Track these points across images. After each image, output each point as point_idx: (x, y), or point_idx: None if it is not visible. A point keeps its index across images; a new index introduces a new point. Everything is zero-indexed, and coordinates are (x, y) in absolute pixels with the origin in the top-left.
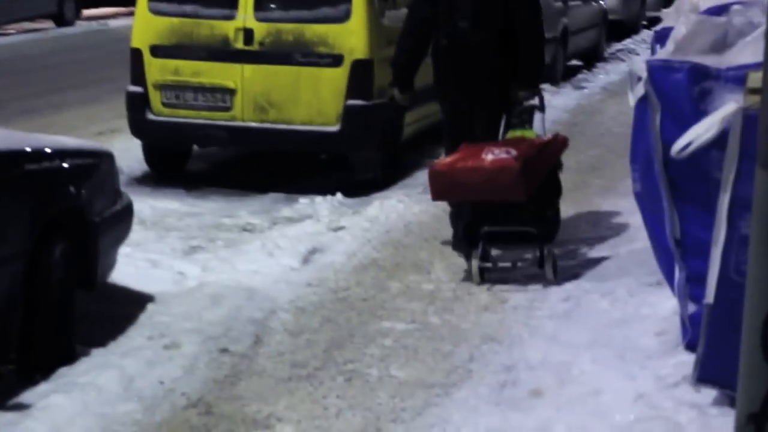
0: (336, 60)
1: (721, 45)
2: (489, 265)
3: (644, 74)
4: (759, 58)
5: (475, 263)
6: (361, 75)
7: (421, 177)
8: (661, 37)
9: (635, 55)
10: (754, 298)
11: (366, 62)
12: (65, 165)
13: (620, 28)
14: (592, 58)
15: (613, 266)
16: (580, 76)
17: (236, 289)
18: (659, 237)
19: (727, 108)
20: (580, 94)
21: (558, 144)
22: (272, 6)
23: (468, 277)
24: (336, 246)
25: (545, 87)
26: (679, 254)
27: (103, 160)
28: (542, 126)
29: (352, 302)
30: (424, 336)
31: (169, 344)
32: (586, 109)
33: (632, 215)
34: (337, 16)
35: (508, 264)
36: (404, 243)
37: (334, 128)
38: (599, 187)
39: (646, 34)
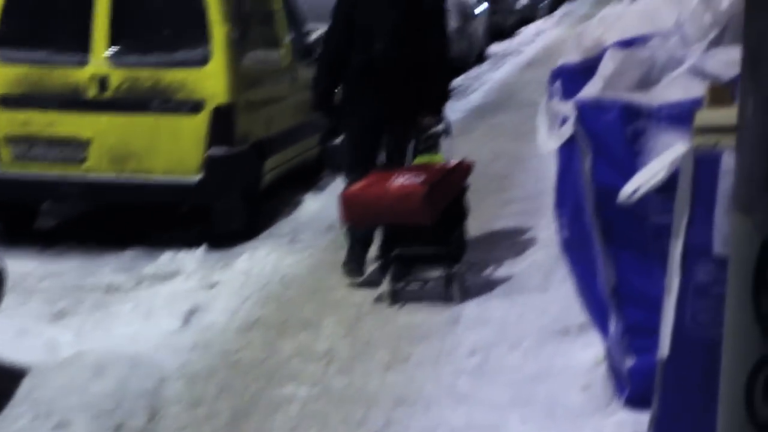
0: (196, 106)
1: (647, 81)
2: (402, 286)
3: (571, 114)
4: (691, 94)
5: (386, 285)
6: (222, 121)
7: (286, 226)
8: (561, 75)
9: (471, 94)
10: (735, 352)
11: (227, 107)
12: None
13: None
14: None
15: (514, 313)
16: None
17: (118, 357)
18: (589, 285)
19: (675, 150)
20: None
21: (464, 169)
22: (127, 51)
23: (363, 334)
24: (214, 304)
25: None
26: (615, 303)
27: None
28: (449, 151)
29: (245, 367)
30: (331, 401)
31: (59, 424)
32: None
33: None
34: (195, 59)
35: (418, 284)
36: (286, 297)
37: (196, 179)
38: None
39: (477, 71)
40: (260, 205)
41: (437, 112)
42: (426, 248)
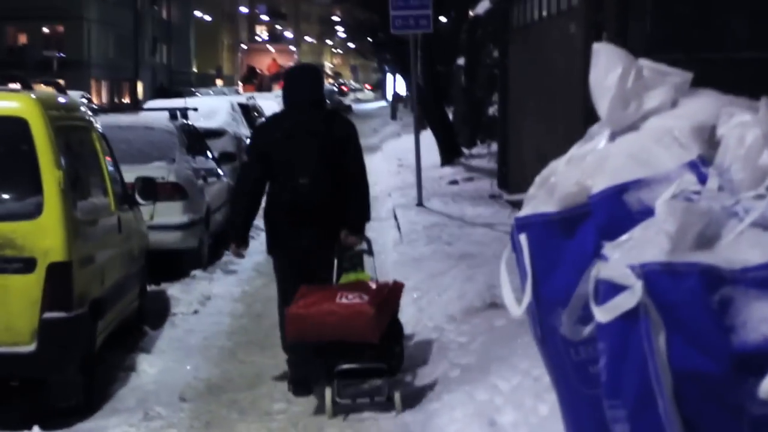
0: (27, 265)
1: (707, 238)
2: (348, 401)
3: (630, 281)
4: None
5: (328, 398)
6: (59, 281)
7: (130, 397)
8: (529, 227)
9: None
10: None
11: (64, 265)
12: None
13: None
14: (223, 236)
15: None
16: (224, 258)
17: None
18: None
19: None
20: (236, 279)
21: (397, 288)
22: None
23: None
24: None
25: None
26: None
27: None
28: (373, 268)
29: None
30: None
31: None
32: (257, 297)
33: None
34: (25, 211)
35: (366, 400)
36: None
37: (29, 348)
38: None
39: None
40: (95, 374)
41: (359, 232)
42: (369, 363)
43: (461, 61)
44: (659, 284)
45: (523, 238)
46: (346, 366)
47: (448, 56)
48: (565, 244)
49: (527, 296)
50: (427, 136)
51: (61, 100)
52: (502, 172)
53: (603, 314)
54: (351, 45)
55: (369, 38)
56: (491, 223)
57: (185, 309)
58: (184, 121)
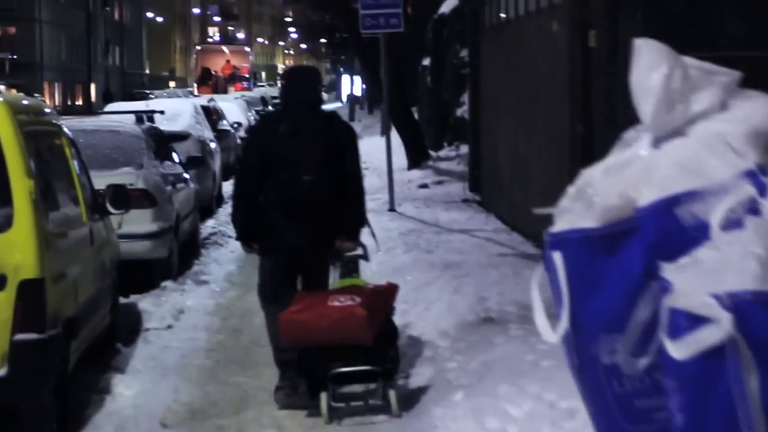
0: None
1: None
2: (342, 405)
3: (714, 313)
4: None
5: (324, 403)
6: (31, 300)
7: (107, 424)
8: (565, 245)
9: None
10: None
11: (37, 283)
12: None
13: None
14: (192, 245)
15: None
16: (195, 268)
17: None
18: None
19: None
20: (209, 290)
21: (391, 290)
22: None
23: None
24: None
25: None
26: None
27: None
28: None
29: None
30: None
31: None
32: (233, 310)
33: None
34: None
35: (360, 403)
36: None
37: (0, 373)
38: None
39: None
40: (69, 399)
41: (355, 238)
42: (364, 366)
43: (426, 61)
44: (753, 317)
45: (557, 257)
46: (341, 369)
47: (413, 56)
48: (607, 263)
49: (564, 321)
50: (391, 139)
51: (27, 102)
52: (473, 175)
53: (680, 350)
54: (303, 46)
55: (325, 39)
56: (468, 228)
57: (158, 324)
58: (151, 125)
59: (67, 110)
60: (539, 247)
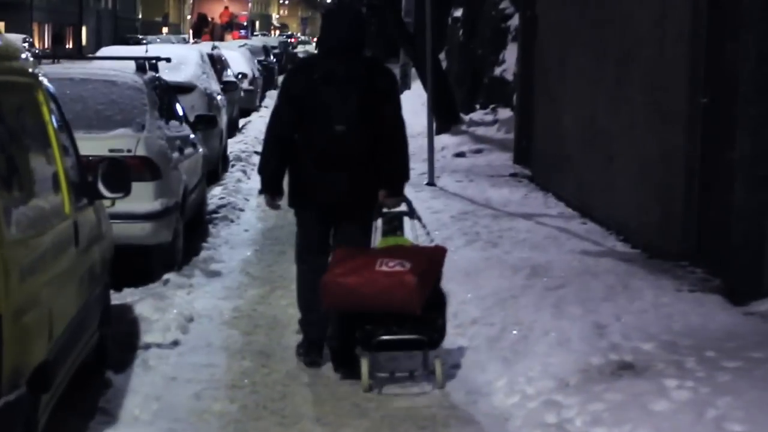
0: None
1: None
2: (386, 374)
3: None
4: None
5: (365, 370)
6: None
7: None
8: None
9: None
10: None
11: None
12: None
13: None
14: (198, 221)
15: None
16: (203, 254)
17: None
18: None
19: None
20: (222, 286)
21: (439, 254)
22: None
23: None
24: None
25: None
26: None
27: None
28: (417, 232)
29: None
30: None
31: None
32: (257, 320)
33: None
34: None
35: (404, 374)
36: None
37: None
38: None
39: (234, 185)
40: None
41: (398, 192)
42: (410, 335)
43: (458, 12)
44: None
45: None
46: (385, 337)
47: (439, 6)
48: None
49: None
50: (411, 96)
51: None
52: (520, 145)
53: None
54: None
55: None
56: (528, 213)
57: (161, 337)
58: (154, 74)
59: (58, 53)
60: (633, 245)
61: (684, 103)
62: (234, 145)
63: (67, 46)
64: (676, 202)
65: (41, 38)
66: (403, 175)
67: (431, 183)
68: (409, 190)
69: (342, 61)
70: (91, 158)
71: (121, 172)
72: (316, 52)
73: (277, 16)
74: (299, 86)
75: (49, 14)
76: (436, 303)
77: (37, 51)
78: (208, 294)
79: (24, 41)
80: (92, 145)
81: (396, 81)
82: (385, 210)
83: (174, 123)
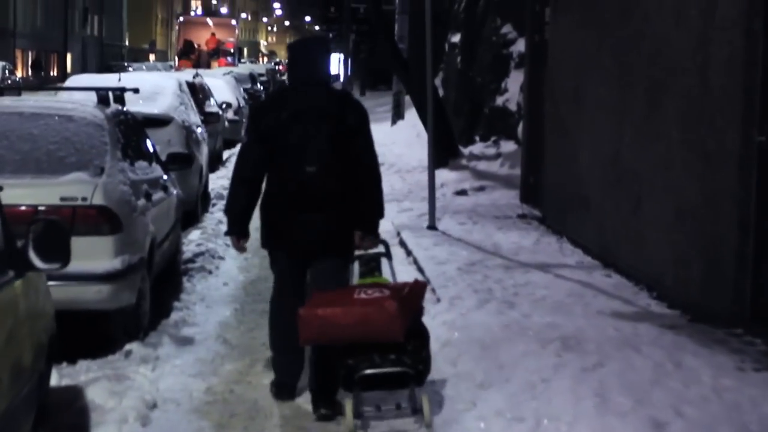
0: None
1: None
2: (370, 409)
3: None
4: None
5: (350, 409)
6: None
7: None
8: None
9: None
10: None
11: None
12: None
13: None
14: (171, 273)
15: None
16: (174, 315)
17: None
18: None
19: None
20: (194, 358)
21: (419, 287)
22: None
23: None
24: None
25: None
26: None
27: None
28: (392, 273)
29: None
30: None
31: None
32: (235, 408)
33: None
34: None
35: (391, 406)
36: None
37: None
38: None
39: (215, 227)
40: None
41: (373, 231)
42: (394, 367)
43: (455, 38)
44: None
45: None
46: (369, 371)
47: (436, 32)
48: None
49: None
50: (405, 127)
51: None
52: (528, 183)
53: None
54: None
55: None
56: (543, 262)
57: None
58: (119, 108)
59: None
60: (669, 304)
61: (735, 141)
62: (216, 181)
63: (51, 74)
64: (726, 256)
65: (24, 65)
66: (378, 213)
67: (432, 226)
68: (408, 236)
69: (311, 95)
70: (40, 209)
71: (58, 236)
72: (283, 79)
73: (266, 43)
74: (268, 123)
75: (33, 41)
76: (419, 331)
77: (18, 79)
78: (176, 369)
79: (4, 69)
80: (41, 192)
81: (366, 115)
82: (361, 252)
83: (141, 164)
